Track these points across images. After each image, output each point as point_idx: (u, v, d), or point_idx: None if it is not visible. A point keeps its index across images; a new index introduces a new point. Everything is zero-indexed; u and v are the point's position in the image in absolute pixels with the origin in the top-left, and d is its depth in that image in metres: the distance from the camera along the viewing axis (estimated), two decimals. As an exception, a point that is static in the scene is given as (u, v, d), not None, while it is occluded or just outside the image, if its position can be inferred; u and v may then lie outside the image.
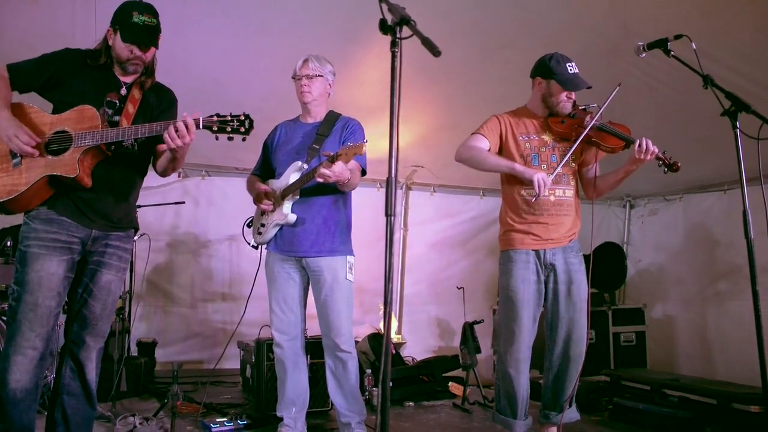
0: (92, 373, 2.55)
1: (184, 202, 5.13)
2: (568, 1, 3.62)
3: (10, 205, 2.38)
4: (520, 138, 3.16)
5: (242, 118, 2.33)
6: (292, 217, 3.11)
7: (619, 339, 5.25)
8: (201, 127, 2.31)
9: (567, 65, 3.09)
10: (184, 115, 2.31)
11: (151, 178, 2.80)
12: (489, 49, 4.00)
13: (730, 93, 2.54)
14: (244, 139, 2.35)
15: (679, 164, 2.97)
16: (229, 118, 2.32)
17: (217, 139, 2.35)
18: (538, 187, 2.89)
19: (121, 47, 2.47)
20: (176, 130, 2.27)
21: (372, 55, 3.92)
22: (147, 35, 2.45)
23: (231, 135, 2.33)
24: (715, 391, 3.80)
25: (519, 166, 3.06)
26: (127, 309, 4.53)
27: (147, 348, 4.92)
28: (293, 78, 3.24)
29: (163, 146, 2.47)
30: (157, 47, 2.52)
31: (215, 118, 2.32)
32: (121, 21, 2.44)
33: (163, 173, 2.62)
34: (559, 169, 3.01)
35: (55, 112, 2.46)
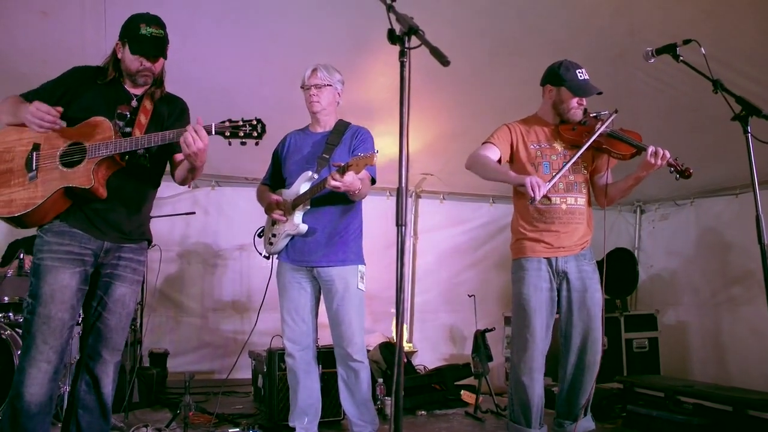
0: (108, 387, 2.55)
1: (194, 213, 5.15)
2: (575, 7, 3.62)
3: (28, 218, 2.40)
4: (531, 146, 3.15)
5: (254, 122, 2.34)
6: (304, 227, 3.12)
7: (631, 345, 5.21)
8: (214, 132, 2.33)
9: (577, 72, 3.08)
10: (198, 119, 2.33)
11: (161, 189, 2.81)
12: (496, 56, 4.00)
13: (741, 97, 2.53)
14: (257, 143, 2.36)
15: (691, 170, 2.94)
16: (241, 123, 2.33)
17: (230, 144, 2.36)
18: (531, 188, 2.80)
19: (131, 59, 2.50)
20: (190, 136, 2.29)
21: (380, 63, 3.93)
22: (155, 46, 2.49)
23: (244, 140, 2.34)
24: (731, 398, 3.77)
25: (512, 174, 3.05)
26: (138, 320, 4.55)
27: (159, 358, 4.94)
28: (302, 87, 3.24)
29: (179, 155, 2.49)
30: (165, 58, 2.55)
31: (227, 124, 2.34)
32: (129, 34, 2.48)
33: (183, 182, 2.65)
34: (562, 172, 2.96)
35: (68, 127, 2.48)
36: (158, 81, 2.63)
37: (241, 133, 2.33)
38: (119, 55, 2.54)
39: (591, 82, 3.08)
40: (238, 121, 2.34)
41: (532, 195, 2.80)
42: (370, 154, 2.74)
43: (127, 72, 2.55)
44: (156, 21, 2.51)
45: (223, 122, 2.34)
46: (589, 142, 2.97)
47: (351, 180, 2.82)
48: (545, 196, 2.95)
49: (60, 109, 2.36)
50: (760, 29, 3.48)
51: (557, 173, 2.95)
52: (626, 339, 5.20)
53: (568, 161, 2.98)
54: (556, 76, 3.12)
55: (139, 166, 2.53)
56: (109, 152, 2.37)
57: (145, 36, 2.46)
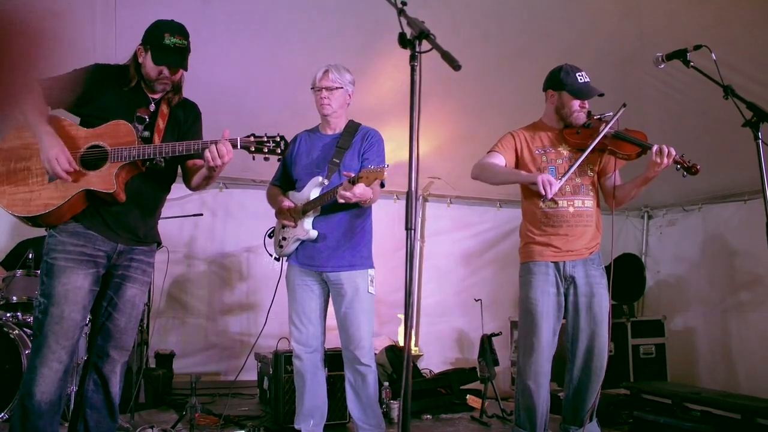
0: (116, 386, 2.57)
1: (202, 214, 5.15)
2: (583, 11, 3.62)
3: (44, 218, 2.40)
4: (536, 152, 3.15)
5: (278, 139, 2.38)
6: (314, 234, 3.12)
7: (638, 351, 5.19)
8: (239, 147, 2.36)
9: (577, 75, 3.08)
10: (225, 132, 2.35)
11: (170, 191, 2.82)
12: (504, 60, 4.01)
13: (752, 103, 2.52)
14: (279, 160, 2.46)
15: (698, 166, 2.92)
16: (265, 139, 2.37)
17: (254, 159, 2.42)
18: (543, 186, 2.83)
19: (151, 67, 2.52)
20: (218, 151, 2.31)
21: (389, 66, 3.94)
22: (178, 57, 2.51)
23: (267, 156, 2.38)
24: (739, 405, 3.75)
25: (523, 173, 3.07)
26: (145, 321, 4.56)
27: (165, 360, 4.95)
28: (312, 89, 3.23)
29: (197, 162, 2.52)
30: (186, 69, 2.57)
31: (252, 139, 2.37)
32: (152, 41, 2.49)
33: (197, 188, 2.68)
34: (569, 174, 2.96)
35: (82, 125, 2.49)
36: (176, 88, 2.64)
37: (265, 149, 2.37)
38: (140, 60, 2.55)
39: (592, 85, 3.08)
40: (262, 137, 2.37)
41: (544, 193, 2.80)
42: (380, 169, 2.74)
43: (146, 77, 2.56)
44: (181, 31, 2.52)
45: (248, 137, 2.37)
46: (594, 143, 2.97)
47: (361, 191, 2.83)
48: (552, 200, 2.96)
49: (75, 166, 2.35)
50: (770, 34, 3.47)
51: (568, 170, 2.95)
52: (633, 345, 5.18)
53: (577, 161, 2.97)
54: (557, 81, 3.12)
55: (156, 170, 2.55)
56: (132, 158, 2.38)
57: (169, 46, 2.47)
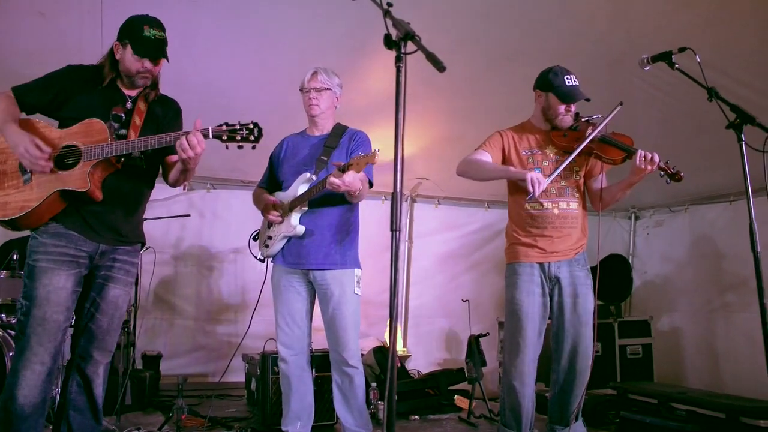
0: (99, 388, 2.55)
1: (189, 215, 5.13)
2: (572, 13, 3.63)
3: (22, 221, 2.39)
4: (523, 152, 3.16)
5: (251, 126, 2.34)
6: (301, 229, 3.11)
7: (625, 351, 5.22)
8: (211, 136, 2.33)
9: (565, 77, 3.09)
10: (197, 122, 2.32)
11: (157, 191, 2.81)
12: (493, 61, 4.01)
13: (735, 105, 2.54)
14: (254, 147, 2.36)
15: (681, 174, 2.94)
16: (238, 127, 2.33)
17: (227, 148, 2.37)
18: (532, 184, 2.82)
19: (132, 61, 2.50)
20: (188, 141, 2.28)
21: (376, 67, 3.94)
22: (159, 49, 2.50)
23: (241, 144, 2.33)
24: (724, 405, 3.77)
25: (512, 169, 3.07)
26: (132, 322, 4.53)
27: (152, 361, 4.92)
28: (301, 90, 3.24)
29: (173, 157, 2.50)
30: (168, 60, 2.55)
31: (224, 128, 2.33)
32: (132, 35, 2.47)
33: (175, 184, 2.64)
34: (554, 176, 2.96)
35: (61, 128, 2.47)
36: (153, 83, 2.63)
37: (238, 137, 2.32)
38: (117, 56, 2.53)
39: (579, 89, 3.08)
40: (235, 125, 2.33)
41: (532, 191, 2.81)
42: (371, 153, 2.74)
43: (126, 73, 2.54)
44: (158, 24, 2.52)
45: (220, 125, 2.34)
46: (581, 147, 2.97)
47: (351, 179, 2.81)
48: (537, 201, 2.97)
49: (49, 150, 2.34)
50: (758, 37, 3.50)
51: (555, 170, 2.95)
52: (620, 345, 5.21)
53: (562, 163, 2.98)
54: (546, 82, 3.13)
55: (134, 167, 2.53)
56: (105, 155, 2.36)
57: (149, 38, 2.47)
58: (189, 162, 2.36)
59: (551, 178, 2.94)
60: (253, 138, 2.33)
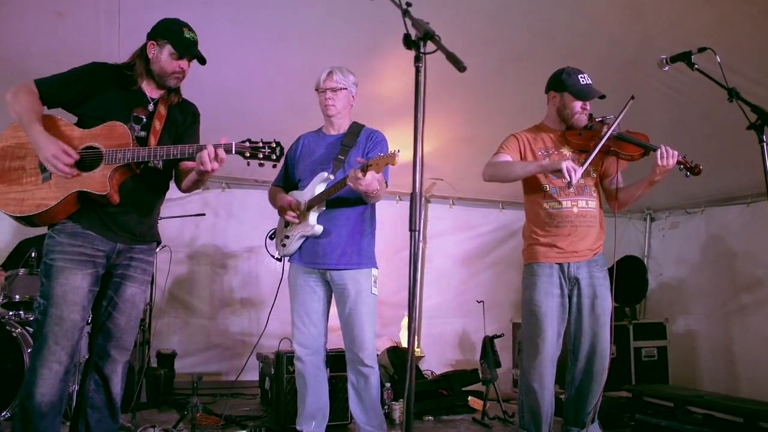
0: (117, 386, 2.56)
1: (204, 214, 5.16)
2: (586, 13, 3.61)
3: (38, 218, 2.41)
4: (539, 153, 3.15)
5: (273, 144, 2.36)
6: (319, 229, 3.11)
7: (640, 354, 5.18)
8: (234, 152, 2.34)
9: (579, 77, 3.10)
10: (221, 139, 2.34)
11: (172, 191, 2.81)
12: (506, 61, 4.00)
13: (757, 106, 2.51)
14: (274, 166, 2.41)
15: (701, 167, 2.94)
16: (260, 145, 2.35)
17: (248, 164, 2.39)
18: (568, 172, 2.80)
19: (169, 61, 2.54)
20: (209, 155, 2.30)
21: (391, 67, 3.94)
22: (197, 50, 2.58)
23: (262, 162, 2.36)
24: (742, 409, 3.73)
25: (545, 161, 3.06)
26: (147, 320, 4.56)
27: (167, 359, 4.95)
28: (316, 90, 3.24)
29: (188, 164, 2.51)
30: (204, 62, 2.62)
31: (247, 144, 2.35)
32: (171, 36, 2.53)
33: (186, 191, 2.67)
34: (587, 164, 2.94)
35: (79, 125, 2.48)
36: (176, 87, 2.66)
37: (260, 155, 2.35)
38: (150, 56, 2.55)
39: (593, 86, 3.09)
40: (257, 142, 2.35)
41: (568, 179, 2.80)
42: (392, 153, 2.72)
43: (160, 73, 2.56)
44: (191, 27, 2.60)
45: (243, 142, 2.35)
46: (600, 145, 2.96)
47: (370, 180, 2.81)
48: (556, 200, 2.96)
49: (76, 157, 2.36)
50: (774, 37, 3.46)
51: (585, 161, 2.93)
52: (635, 347, 5.18)
53: (592, 153, 2.95)
54: (559, 82, 3.14)
55: (152, 172, 2.55)
56: (127, 160, 2.38)
57: (189, 40, 2.55)
58: (205, 174, 2.38)
59: (585, 166, 2.91)
60: (275, 157, 2.36)
